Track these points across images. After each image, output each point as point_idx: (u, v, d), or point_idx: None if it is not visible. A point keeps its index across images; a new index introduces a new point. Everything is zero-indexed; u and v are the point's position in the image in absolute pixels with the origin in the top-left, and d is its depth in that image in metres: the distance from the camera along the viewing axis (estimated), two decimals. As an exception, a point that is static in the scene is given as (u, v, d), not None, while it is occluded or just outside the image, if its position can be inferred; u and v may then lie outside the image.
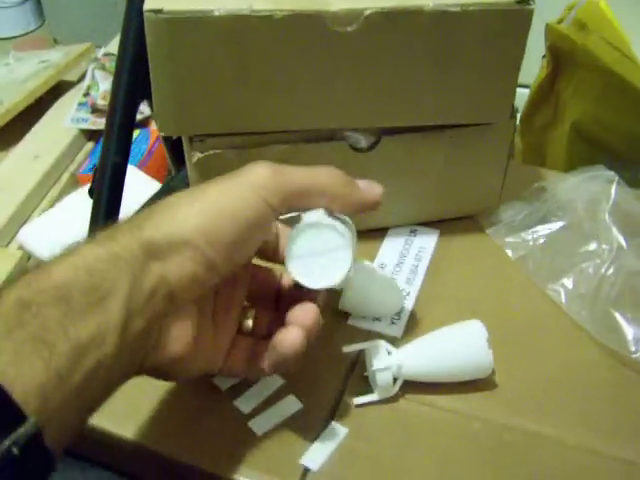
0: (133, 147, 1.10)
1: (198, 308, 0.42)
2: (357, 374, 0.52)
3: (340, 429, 0.48)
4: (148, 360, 0.39)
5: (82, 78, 1.30)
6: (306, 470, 0.46)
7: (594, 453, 0.47)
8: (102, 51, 1.33)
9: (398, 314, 0.56)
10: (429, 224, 0.65)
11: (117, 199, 0.71)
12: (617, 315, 0.55)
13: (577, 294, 0.57)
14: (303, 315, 0.44)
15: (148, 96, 0.55)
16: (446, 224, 0.65)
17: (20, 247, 0.94)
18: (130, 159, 1.02)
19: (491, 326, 0.51)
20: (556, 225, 0.62)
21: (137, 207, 0.67)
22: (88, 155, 1.16)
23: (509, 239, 0.63)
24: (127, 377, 0.39)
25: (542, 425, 0.49)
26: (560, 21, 0.81)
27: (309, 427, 0.48)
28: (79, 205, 0.85)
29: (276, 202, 0.41)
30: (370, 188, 0.45)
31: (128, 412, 0.49)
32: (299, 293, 0.45)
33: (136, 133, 1.12)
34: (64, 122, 1.19)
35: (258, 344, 0.46)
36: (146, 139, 1.13)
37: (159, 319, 0.39)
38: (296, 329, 0.43)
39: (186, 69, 0.51)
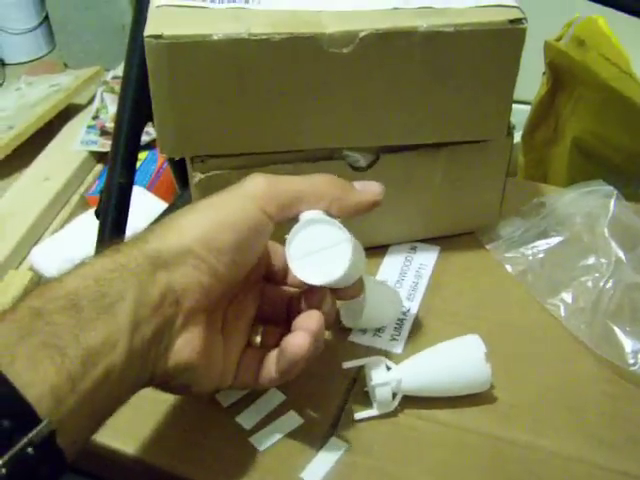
0: (141, 168, 1.12)
1: (207, 320, 0.43)
2: (357, 390, 0.53)
3: (340, 444, 0.49)
4: (158, 367, 0.40)
5: (91, 101, 1.33)
6: (306, 484, 0.47)
7: (592, 465, 0.47)
8: (111, 74, 1.36)
9: (398, 330, 0.57)
10: (429, 240, 0.66)
11: (123, 220, 0.73)
12: (616, 328, 0.55)
13: (576, 308, 0.57)
14: (308, 320, 0.44)
15: (153, 118, 0.56)
16: (446, 240, 0.65)
17: (31, 268, 0.96)
18: (139, 180, 1.05)
19: (491, 340, 0.52)
20: (555, 240, 0.63)
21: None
22: (97, 177, 1.18)
23: (509, 254, 0.63)
24: (139, 385, 0.40)
25: (540, 438, 0.49)
26: (559, 38, 0.82)
27: (310, 442, 0.49)
28: (89, 226, 0.87)
29: (273, 210, 0.43)
30: (368, 187, 0.46)
31: (129, 427, 0.50)
32: (308, 305, 0.46)
33: (144, 155, 1.14)
34: (74, 145, 1.21)
35: (265, 355, 0.47)
36: (154, 160, 1.14)
37: (167, 326, 0.40)
38: (302, 333, 0.44)
39: (186, 92, 0.52)
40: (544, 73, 0.85)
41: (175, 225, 0.42)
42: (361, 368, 0.52)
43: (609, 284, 0.58)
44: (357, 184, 0.46)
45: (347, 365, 0.51)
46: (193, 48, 0.50)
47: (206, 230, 0.41)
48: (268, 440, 0.49)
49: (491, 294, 0.61)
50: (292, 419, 0.51)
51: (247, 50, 0.51)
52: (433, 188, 0.62)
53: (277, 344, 0.47)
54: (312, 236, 0.44)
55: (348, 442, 0.49)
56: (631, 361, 0.53)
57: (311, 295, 0.46)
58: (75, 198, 1.14)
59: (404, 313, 0.58)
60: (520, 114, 0.89)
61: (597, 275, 0.59)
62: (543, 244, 0.63)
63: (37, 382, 0.33)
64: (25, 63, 1.64)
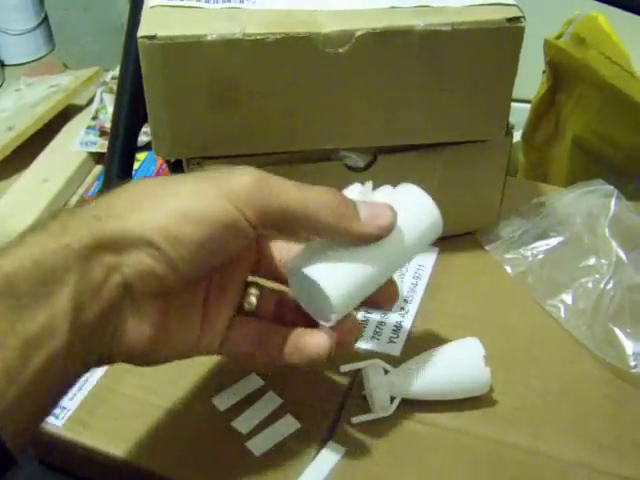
0: (141, 168, 1.11)
1: (167, 302, 0.41)
2: (355, 393, 0.52)
3: (338, 448, 0.48)
4: (107, 350, 0.39)
5: (91, 102, 1.32)
6: (303, 490, 0.46)
7: (593, 469, 0.47)
8: (110, 75, 1.35)
9: (396, 332, 0.56)
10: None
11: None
12: (617, 330, 0.54)
13: (576, 309, 0.57)
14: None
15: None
16: (445, 241, 0.64)
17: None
18: (142, 174, 1.04)
19: (490, 342, 0.51)
20: (555, 240, 0.62)
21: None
22: (97, 178, 1.17)
23: (508, 255, 0.62)
24: (86, 368, 0.38)
25: (541, 441, 0.49)
26: (559, 36, 0.82)
27: (307, 447, 0.48)
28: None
29: (253, 217, 0.38)
30: (376, 217, 0.41)
31: (123, 431, 0.49)
32: None
33: (144, 155, 1.14)
34: (73, 146, 1.21)
35: (267, 327, 0.45)
36: (154, 160, 1.14)
37: (114, 309, 0.38)
38: (322, 334, 0.42)
39: (180, 93, 0.52)
40: (544, 71, 0.85)
41: (136, 207, 0.38)
42: (359, 371, 0.52)
43: (610, 285, 0.57)
44: (364, 208, 0.41)
45: (345, 368, 0.50)
46: (187, 49, 0.50)
47: (169, 222, 0.37)
48: (265, 445, 0.49)
49: (490, 296, 0.60)
50: (289, 423, 0.50)
51: (241, 51, 0.50)
52: (431, 189, 0.61)
53: (276, 311, 0.46)
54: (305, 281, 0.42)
55: (346, 447, 0.48)
56: (632, 363, 0.52)
57: None
58: (74, 199, 1.14)
59: (402, 315, 0.58)
60: (520, 113, 0.88)
61: (598, 276, 0.58)
62: (543, 245, 0.62)
63: None
64: (25, 64, 1.64)
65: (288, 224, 0.40)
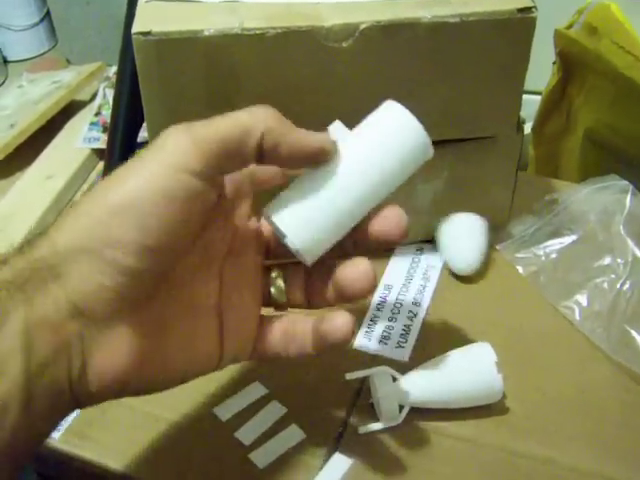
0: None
1: (147, 315, 0.36)
2: (362, 401, 0.50)
3: (344, 460, 0.46)
4: (81, 394, 0.34)
5: (94, 97, 1.31)
6: (309, 504, 0.44)
7: (611, 481, 0.45)
8: (113, 70, 1.33)
9: (405, 337, 0.54)
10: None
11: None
12: (634, 332, 0.52)
13: (591, 311, 0.55)
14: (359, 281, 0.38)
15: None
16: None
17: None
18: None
19: (502, 346, 0.49)
20: (568, 239, 0.60)
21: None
22: (100, 174, 1.16)
23: (520, 255, 0.60)
24: (57, 421, 0.35)
25: (555, 451, 0.47)
26: (570, 26, 0.79)
27: (313, 458, 0.47)
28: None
29: (197, 165, 0.34)
30: (312, 134, 0.38)
31: (123, 444, 0.48)
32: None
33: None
34: (76, 142, 1.20)
35: (294, 317, 0.41)
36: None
37: (72, 343, 0.33)
38: (346, 315, 0.38)
39: (177, 91, 0.50)
40: (554, 63, 0.82)
41: (71, 218, 0.33)
42: (366, 378, 0.50)
43: (626, 285, 0.55)
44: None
45: (350, 376, 0.48)
46: (183, 45, 0.48)
47: (99, 218, 0.32)
48: (269, 457, 0.47)
49: (502, 297, 0.58)
50: (294, 434, 0.48)
51: (240, 46, 0.48)
52: (439, 187, 0.59)
53: (306, 296, 0.42)
54: None
55: (353, 458, 0.46)
56: (651, 368, 0.50)
57: None
58: (78, 196, 1.12)
59: (411, 319, 0.56)
60: (530, 105, 0.86)
61: (613, 276, 0.56)
62: (556, 243, 0.60)
63: None
64: (28, 60, 1.63)
65: (235, 158, 0.35)
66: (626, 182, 0.62)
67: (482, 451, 0.47)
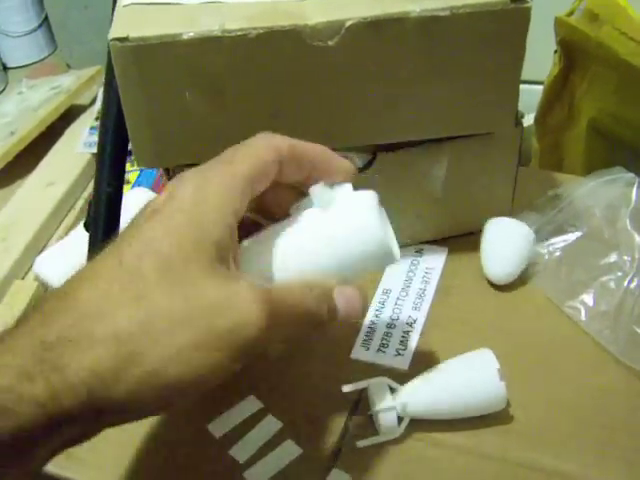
0: (142, 176, 1.08)
1: None
2: (361, 412, 0.48)
3: (343, 475, 0.45)
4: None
5: (94, 101, 1.30)
6: (306, 524, 0.43)
7: (622, 492, 0.43)
8: (113, 73, 1.32)
9: (404, 344, 0.52)
10: (436, 242, 0.61)
11: (114, 231, 0.69)
12: (643, 333, 0.50)
13: (598, 311, 0.52)
14: None
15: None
16: (454, 241, 0.61)
17: (36, 278, 0.93)
18: (143, 181, 1.01)
19: (505, 351, 0.47)
20: (573, 236, 0.58)
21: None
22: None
23: (523, 254, 0.58)
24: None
25: (562, 461, 0.45)
26: (570, 13, 0.77)
27: (310, 474, 0.45)
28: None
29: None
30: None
31: (112, 463, 0.46)
32: None
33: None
34: (77, 147, 1.19)
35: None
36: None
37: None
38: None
39: (158, 98, 0.48)
40: (555, 51, 0.80)
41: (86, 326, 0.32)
42: (364, 388, 0.48)
43: (634, 283, 0.53)
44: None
45: (347, 389, 0.46)
46: (162, 50, 0.46)
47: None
48: (264, 474, 0.45)
49: (504, 298, 0.56)
50: (290, 449, 0.46)
51: (222, 48, 0.46)
52: (437, 186, 0.57)
53: None
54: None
55: (351, 473, 0.45)
56: (661, 370, 0.48)
57: None
58: (80, 203, 1.11)
59: (410, 324, 0.54)
60: (533, 95, 0.84)
61: (620, 274, 0.54)
62: (560, 241, 0.58)
63: None
64: (27, 66, 1.62)
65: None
66: (632, 175, 0.59)
67: (485, 463, 0.45)
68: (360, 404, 0.49)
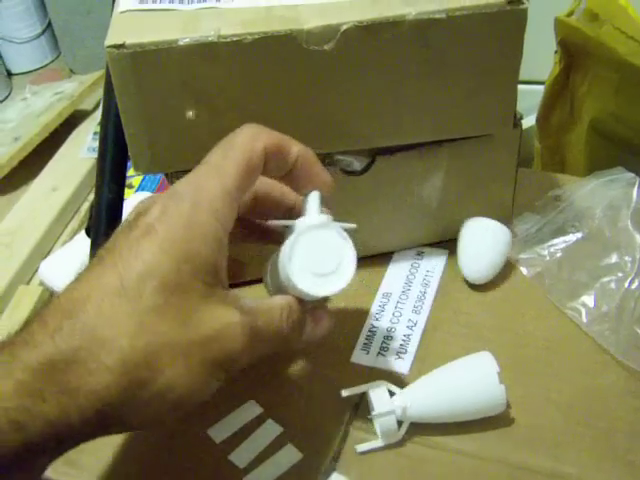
0: (145, 181, 1.08)
1: None
2: (361, 416, 0.48)
3: (343, 480, 0.45)
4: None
5: (97, 106, 1.30)
6: (306, 529, 0.42)
7: (623, 495, 0.42)
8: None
9: (404, 347, 0.52)
10: (437, 244, 0.61)
11: (115, 237, 0.69)
12: (643, 335, 0.50)
13: (599, 312, 0.52)
14: None
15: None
16: (455, 243, 0.60)
17: (41, 283, 0.93)
18: (147, 185, 1.01)
19: (506, 353, 0.47)
20: (574, 237, 0.58)
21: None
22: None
23: (523, 255, 0.58)
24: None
25: (564, 464, 0.44)
26: (570, 13, 0.76)
27: (310, 479, 0.45)
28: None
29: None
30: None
31: (113, 469, 0.46)
32: None
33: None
34: (81, 152, 1.19)
35: None
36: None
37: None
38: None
39: (155, 104, 0.48)
40: (556, 52, 0.80)
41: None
42: (364, 393, 0.48)
43: (635, 284, 0.52)
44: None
45: (347, 393, 0.46)
46: (159, 56, 0.46)
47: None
48: (264, 479, 0.45)
49: (505, 300, 0.56)
50: (290, 454, 0.46)
51: (218, 54, 0.46)
52: (437, 189, 0.57)
53: None
54: (311, 246, 0.40)
55: (351, 477, 0.45)
56: (663, 371, 0.48)
57: None
58: (85, 207, 1.12)
59: (410, 328, 0.54)
60: (535, 96, 0.84)
61: (621, 274, 0.53)
62: (560, 242, 0.58)
63: None
64: (31, 72, 1.62)
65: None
66: (632, 175, 0.59)
67: (486, 466, 0.45)
68: (360, 408, 0.49)
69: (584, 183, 0.62)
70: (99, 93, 1.31)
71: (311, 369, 0.52)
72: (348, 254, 0.40)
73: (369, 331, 0.54)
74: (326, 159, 0.54)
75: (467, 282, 0.57)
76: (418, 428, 0.46)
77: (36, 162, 1.16)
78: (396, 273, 0.59)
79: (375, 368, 0.51)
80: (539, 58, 0.78)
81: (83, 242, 0.96)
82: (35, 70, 1.63)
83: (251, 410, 0.49)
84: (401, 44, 0.48)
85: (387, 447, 0.46)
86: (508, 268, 0.58)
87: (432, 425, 0.46)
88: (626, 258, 0.54)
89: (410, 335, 0.53)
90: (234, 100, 0.49)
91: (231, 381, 0.37)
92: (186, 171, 0.51)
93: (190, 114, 0.49)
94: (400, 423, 0.46)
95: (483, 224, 0.57)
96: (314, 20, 0.47)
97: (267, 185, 0.44)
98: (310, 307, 0.41)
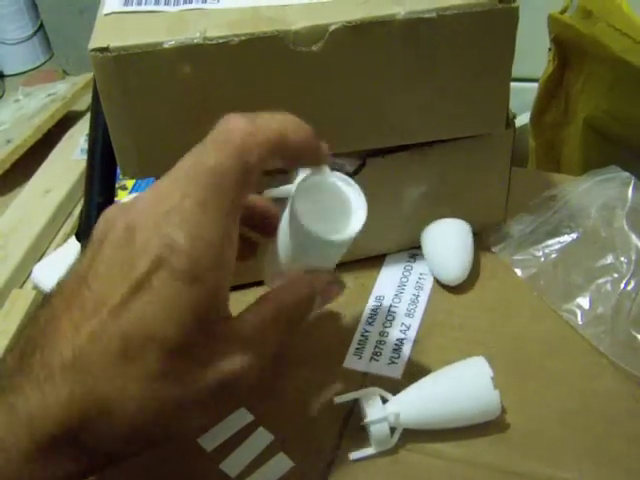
0: (139, 182, 1.08)
1: None
2: (353, 423, 0.47)
3: (336, 489, 0.44)
4: None
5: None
6: (297, 540, 0.42)
7: (620, 501, 0.42)
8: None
9: (397, 352, 0.52)
10: (430, 246, 0.60)
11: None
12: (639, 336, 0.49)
13: (594, 314, 0.52)
14: None
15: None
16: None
17: (35, 286, 0.93)
18: (141, 187, 1.01)
19: (501, 357, 0.47)
20: (569, 237, 0.57)
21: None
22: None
23: (518, 257, 0.57)
24: None
25: (561, 470, 0.44)
26: (564, 10, 0.76)
27: (302, 488, 0.44)
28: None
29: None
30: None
31: (104, 478, 0.45)
32: None
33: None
34: (74, 154, 1.18)
35: None
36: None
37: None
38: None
39: (141, 108, 0.47)
40: (550, 49, 0.79)
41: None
42: (356, 399, 0.47)
43: (631, 285, 0.52)
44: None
45: (339, 400, 0.46)
46: (143, 59, 0.45)
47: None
48: (256, 488, 0.44)
49: (499, 302, 0.55)
50: (282, 462, 0.46)
51: (204, 57, 0.46)
52: (429, 190, 0.56)
53: None
54: (317, 195, 0.39)
55: (344, 486, 0.44)
56: (660, 374, 0.47)
57: None
58: (78, 209, 1.11)
59: (404, 332, 0.53)
60: (530, 93, 0.83)
61: (616, 275, 0.53)
62: (555, 243, 0.57)
63: None
64: (24, 73, 1.62)
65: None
66: (627, 174, 0.59)
67: (480, 473, 0.44)
68: (353, 415, 0.48)
69: (579, 183, 0.61)
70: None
71: (303, 375, 0.51)
72: (355, 196, 0.39)
73: (362, 335, 0.53)
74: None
75: (442, 285, 0.57)
76: (412, 435, 0.45)
77: (29, 164, 1.15)
78: (389, 276, 0.58)
79: (368, 373, 0.51)
80: (533, 55, 0.77)
81: (76, 245, 0.95)
82: (28, 71, 1.63)
83: (242, 418, 0.48)
84: (391, 44, 0.47)
85: (380, 454, 0.45)
86: (502, 269, 0.57)
87: (426, 431, 0.45)
88: (622, 259, 0.53)
89: (403, 339, 0.52)
90: (221, 102, 0.48)
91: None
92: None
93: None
94: (393, 430, 0.45)
95: (440, 227, 0.57)
96: (302, 21, 0.46)
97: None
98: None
